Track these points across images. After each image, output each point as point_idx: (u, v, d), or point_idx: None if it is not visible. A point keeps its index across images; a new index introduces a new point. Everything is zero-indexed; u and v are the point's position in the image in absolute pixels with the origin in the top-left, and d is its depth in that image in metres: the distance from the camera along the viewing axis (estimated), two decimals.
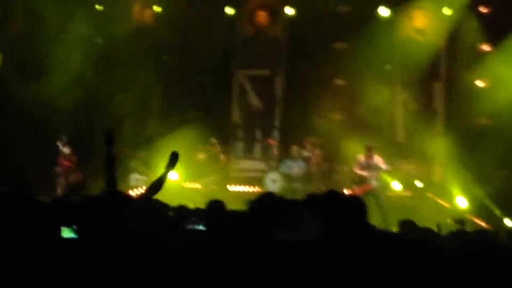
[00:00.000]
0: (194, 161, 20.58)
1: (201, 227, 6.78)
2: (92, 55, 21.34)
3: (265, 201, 5.43)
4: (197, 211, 7.75)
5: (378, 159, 18.46)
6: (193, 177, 20.46)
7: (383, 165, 18.42)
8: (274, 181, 19.48)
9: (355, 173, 18.55)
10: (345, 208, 4.27)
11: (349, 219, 4.21)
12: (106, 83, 22.37)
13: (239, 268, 4.59)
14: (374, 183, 18.35)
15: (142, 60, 22.48)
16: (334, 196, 4.33)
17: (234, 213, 5.64)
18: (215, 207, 6.97)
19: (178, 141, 21.33)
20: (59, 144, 19.77)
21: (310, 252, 3.77)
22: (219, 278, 4.57)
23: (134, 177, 20.51)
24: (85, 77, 21.21)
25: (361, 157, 18.50)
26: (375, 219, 16.07)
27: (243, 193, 20.12)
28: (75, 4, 21.27)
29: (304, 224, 4.01)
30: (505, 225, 17.91)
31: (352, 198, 4.49)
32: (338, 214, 4.19)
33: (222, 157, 20.01)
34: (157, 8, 22.26)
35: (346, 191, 18.68)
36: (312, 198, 4.34)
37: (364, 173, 18.38)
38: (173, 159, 7.91)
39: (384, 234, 4.95)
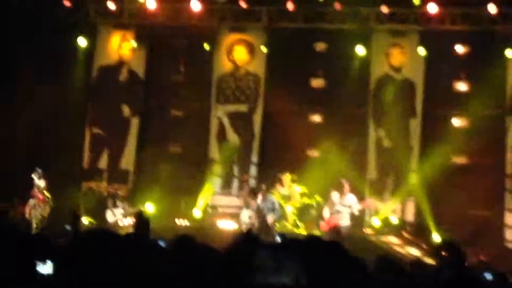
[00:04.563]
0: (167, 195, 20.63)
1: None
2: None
3: (244, 242, 5.42)
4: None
5: (351, 198, 18.46)
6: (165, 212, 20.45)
7: (354, 205, 18.43)
8: (250, 217, 19.39)
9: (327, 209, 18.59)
10: (325, 254, 4.29)
11: (330, 265, 4.23)
12: (82, 116, 22.44)
13: None
14: (343, 221, 18.31)
15: (119, 93, 22.56)
16: (315, 241, 4.35)
17: (207, 250, 5.58)
18: (184, 244, 6.87)
19: (155, 176, 21.37)
20: (34, 176, 19.58)
21: None
22: None
23: (110, 212, 20.39)
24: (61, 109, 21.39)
25: (335, 194, 18.51)
26: None
27: (221, 229, 20.02)
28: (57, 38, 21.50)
29: (285, 269, 4.01)
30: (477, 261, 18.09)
31: (332, 243, 4.50)
32: (319, 260, 4.21)
33: None
34: (135, 43, 22.33)
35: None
36: (292, 242, 4.35)
37: (331, 212, 18.44)
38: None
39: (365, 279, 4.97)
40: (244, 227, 19.15)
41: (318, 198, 19.95)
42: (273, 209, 18.54)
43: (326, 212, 18.64)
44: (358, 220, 19.45)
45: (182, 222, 20.09)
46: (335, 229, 18.15)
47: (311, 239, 4.36)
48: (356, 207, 18.50)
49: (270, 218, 18.31)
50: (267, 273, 4.14)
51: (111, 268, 4.76)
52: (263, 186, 19.11)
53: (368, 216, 20.39)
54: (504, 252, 19.30)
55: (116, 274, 4.76)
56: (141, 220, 9.12)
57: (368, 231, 19.92)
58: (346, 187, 18.50)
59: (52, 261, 5.25)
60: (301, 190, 20.00)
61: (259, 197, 18.93)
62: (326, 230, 18.31)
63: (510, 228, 20.06)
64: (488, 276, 9.74)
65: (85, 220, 20.42)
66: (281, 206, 19.18)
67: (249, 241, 5.13)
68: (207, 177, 21.64)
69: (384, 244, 18.74)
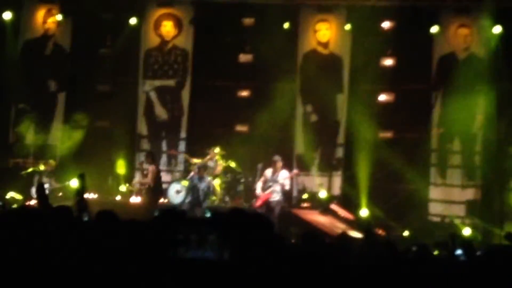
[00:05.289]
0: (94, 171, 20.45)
1: None
2: None
3: (168, 216, 5.40)
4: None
5: (284, 174, 18.50)
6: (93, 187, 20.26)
7: (285, 181, 18.46)
8: (178, 192, 19.42)
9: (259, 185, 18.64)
10: (250, 227, 4.29)
11: (254, 239, 4.24)
12: (9, 91, 22.08)
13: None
14: (275, 197, 18.38)
15: (45, 67, 22.23)
16: (238, 214, 4.34)
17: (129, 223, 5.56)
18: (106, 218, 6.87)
19: (82, 151, 21.16)
20: None
21: (212, 273, 3.77)
22: None
23: (34, 188, 20.06)
24: None
25: (268, 170, 18.55)
26: None
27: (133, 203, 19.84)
28: None
29: (208, 243, 4.01)
30: (402, 234, 18.53)
31: (256, 216, 4.51)
32: (242, 234, 4.21)
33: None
34: (60, 16, 22.00)
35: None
36: (216, 216, 4.34)
37: (263, 188, 18.53)
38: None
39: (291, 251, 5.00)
40: (174, 201, 19.19)
41: (246, 173, 20.01)
42: (209, 193, 18.71)
43: (258, 188, 18.66)
44: (288, 195, 19.57)
45: (90, 196, 19.92)
46: (267, 204, 18.24)
47: (234, 212, 4.35)
48: (287, 182, 18.56)
49: (205, 201, 18.51)
50: (190, 247, 4.14)
51: (35, 246, 4.71)
52: (200, 163, 19.15)
53: (297, 191, 20.53)
54: (428, 225, 19.68)
55: (41, 252, 4.70)
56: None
57: (297, 206, 20.06)
58: (279, 163, 18.49)
59: None
60: (230, 165, 20.03)
61: (195, 174, 18.94)
62: (258, 205, 18.37)
63: (434, 201, 20.46)
64: (413, 248, 9.93)
65: (10, 196, 20.11)
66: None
67: (173, 215, 5.12)
68: (135, 153, 21.58)
69: (312, 218, 18.89)
